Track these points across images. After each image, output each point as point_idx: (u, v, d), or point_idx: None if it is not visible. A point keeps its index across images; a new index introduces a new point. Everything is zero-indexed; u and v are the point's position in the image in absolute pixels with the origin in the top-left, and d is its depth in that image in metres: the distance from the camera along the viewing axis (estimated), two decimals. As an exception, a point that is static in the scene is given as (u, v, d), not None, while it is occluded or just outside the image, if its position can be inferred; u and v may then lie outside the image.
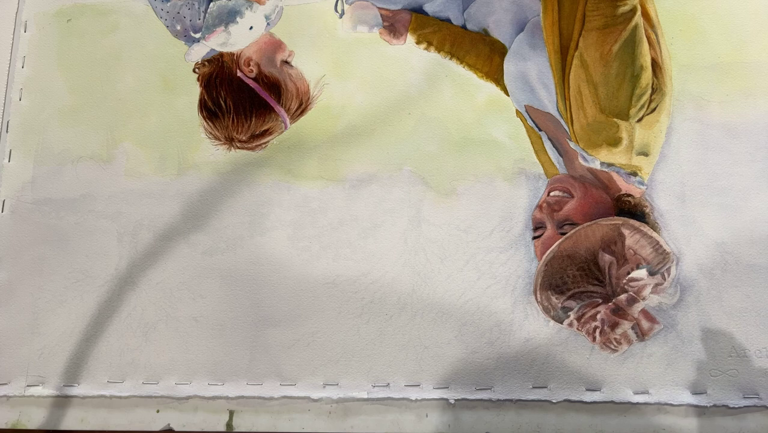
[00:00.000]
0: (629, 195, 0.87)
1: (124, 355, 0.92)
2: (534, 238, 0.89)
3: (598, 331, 0.84)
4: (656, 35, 0.90)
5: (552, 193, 0.89)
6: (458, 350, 0.87)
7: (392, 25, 0.96)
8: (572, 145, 0.89)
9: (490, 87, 0.94)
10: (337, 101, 0.96)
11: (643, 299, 0.84)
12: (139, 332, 0.93)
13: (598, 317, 0.84)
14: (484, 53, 0.94)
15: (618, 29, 0.87)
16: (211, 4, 0.96)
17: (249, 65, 0.97)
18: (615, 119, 0.87)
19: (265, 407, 0.89)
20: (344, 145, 0.94)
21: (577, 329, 0.85)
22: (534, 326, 0.86)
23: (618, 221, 0.85)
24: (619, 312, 0.83)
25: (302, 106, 0.96)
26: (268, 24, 0.98)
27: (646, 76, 0.87)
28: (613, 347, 0.84)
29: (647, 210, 0.87)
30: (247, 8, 0.96)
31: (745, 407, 0.82)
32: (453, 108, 0.94)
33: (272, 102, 0.95)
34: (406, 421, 0.87)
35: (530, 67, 0.91)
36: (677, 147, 0.89)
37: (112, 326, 0.93)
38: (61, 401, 0.92)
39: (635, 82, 0.87)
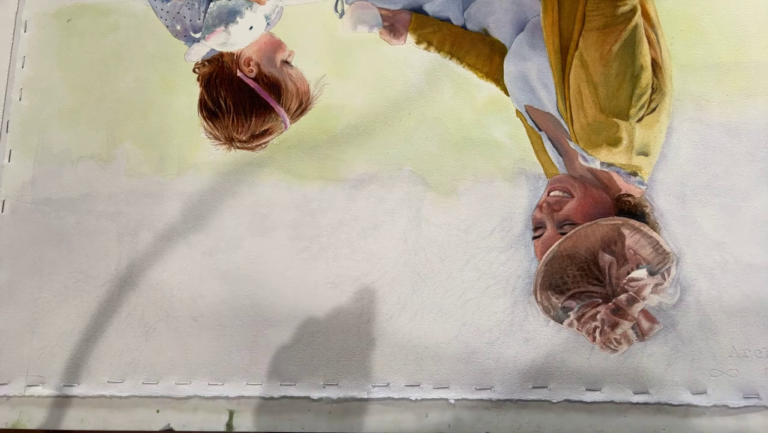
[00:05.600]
0: (629, 195, 0.87)
1: (124, 355, 0.92)
2: (534, 238, 0.89)
3: (598, 331, 0.84)
4: (656, 35, 0.90)
5: (552, 193, 0.89)
6: (458, 350, 0.87)
7: (392, 25, 0.96)
8: (572, 145, 0.89)
9: (490, 87, 0.94)
10: (337, 101, 0.96)
11: (643, 299, 0.84)
12: (139, 332, 0.93)
13: (598, 317, 0.84)
14: (484, 53, 0.94)
15: (618, 29, 0.87)
16: (211, 4, 0.96)
17: (249, 65, 0.97)
18: (615, 119, 0.87)
19: (265, 407, 0.89)
20: (344, 145, 0.95)
21: (577, 329, 0.85)
22: (534, 326, 0.86)
23: (618, 221, 0.85)
24: (619, 312, 0.83)
25: (302, 106, 0.96)
26: (268, 24, 0.98)
27: (646, 76, 0.87)
28: (613, 347, 0.84)
29: (647, 210, 0.87)
30: (247, 8, 0.96)
31: (745, 407, 0.82)
32: (453, 108, 0.94)
33: (272, 102, 0.95)
34: (406, 421, 0.87)
35: (530, 67, 0.91)
36: (677, 147, 0.89)
37: (112, 326, 0.93)
38: (61, 401, 0.92)
39: (635, 82, 0.87)
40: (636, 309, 0.83)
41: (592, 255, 0.85)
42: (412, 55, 0.96)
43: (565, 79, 0.89)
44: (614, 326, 0.84)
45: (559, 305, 0.85)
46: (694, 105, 0.89)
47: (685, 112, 0.89)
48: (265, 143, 0.96)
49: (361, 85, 0.96)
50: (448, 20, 0.96)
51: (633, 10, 0.87)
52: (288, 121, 0.96)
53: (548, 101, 0.90)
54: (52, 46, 1.04)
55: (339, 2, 0.98)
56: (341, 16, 0.98)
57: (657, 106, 0.88)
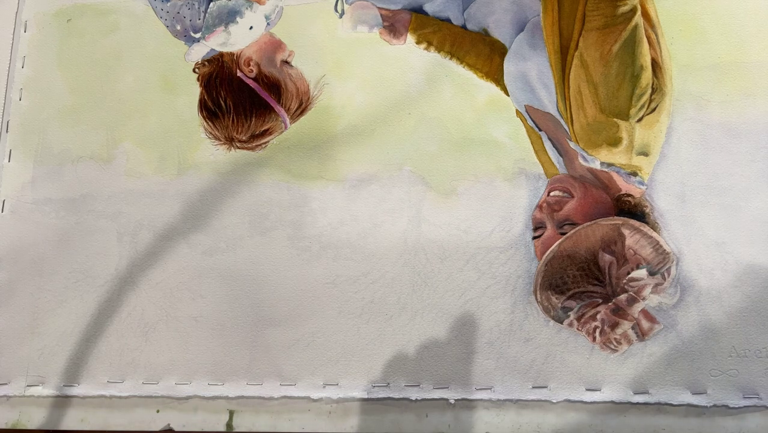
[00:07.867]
0: (629, 195, 0.87)
1: (124, 355, 0.92)
2: (534, 238, 0.89)
3: (598, 331, 0.84)
4: (656, 35, 0.90)
5: (552, 193, 0.89)
6: (458, 350, 0.87)
7: (392, 25, 0.96)
8: (572, 145, 0.89)
9: (490, 87, 0.94)
10: (337, 101, 0.96)
11: (643, 299, 0.84)
12: (139, 332, 0.93)
13: (598, 317, 0.84)
14: (484, 53, 0.94)
15: (618, 29, 0.87)
16: (211, 4, 0.96)
17: (249, 65, 0.97)
18: (615, 119, 0.87)
19: (265, 407, 0.89)
20: (344, 145, 0.94)
21: (577, 329, 0.85)
22: (534, 326, 0.86)
23: (618, 221, 0.85)
24: (619, 312, 0.83)
25: (302, 106, 0.96)
26: (268, 24, 0.98)
27: (646, 76, 0.87)
28: (613, 347, 0.84)
29: (647, 210, 0.87)
30: (247, 8, 0.96)
31: (745, 407, 0.82)
32: (453, 108, 0.94)
33: (272, 102, 0.95)
34: (405, 421, 0.87)
35: (530, 67, 0.91)
36: (677, 147, 0.89)
37: (112, 326, 0.93)
38: (61, 401, 0.92)
39: (635, 82, 0.87)
40: (636, 309, 0.83)
41: (592, 255, 0.85)
42: (412, 55, 0.96)
43: (565, 79, 0.89)
44: (614, 326, 0.84)
45: (559, 305, 0.85)
46: (694, 105, 0.89)
47: (685, 112, 0.89)
48: (265, 143, 0.96)
49: (361, 85, 0.96)
50: (448, 20, 0.96)
51: (633, 10, 0.87)
52: (288, 121, 0.96)
53: (548, 101, 0.90)
54: (52, 46, 1.04)
55: (339, 2, 0.98)
56: (341, 16, 0.98)
57: (657, 106, 0.88)
